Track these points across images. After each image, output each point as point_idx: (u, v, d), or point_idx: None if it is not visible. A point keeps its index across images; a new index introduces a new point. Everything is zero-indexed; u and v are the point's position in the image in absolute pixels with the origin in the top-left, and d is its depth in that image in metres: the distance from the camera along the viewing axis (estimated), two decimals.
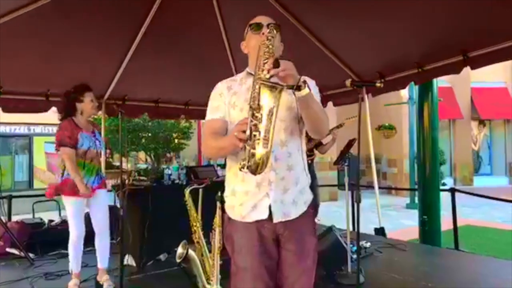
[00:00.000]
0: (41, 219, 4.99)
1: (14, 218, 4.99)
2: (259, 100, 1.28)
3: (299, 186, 1.60)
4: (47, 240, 4.42)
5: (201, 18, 4.15)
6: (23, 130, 12.11)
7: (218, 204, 2.33)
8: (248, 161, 1.30)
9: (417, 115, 5.67)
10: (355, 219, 2.68)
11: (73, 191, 3.00)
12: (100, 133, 3.39)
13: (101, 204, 3.21)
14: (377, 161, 12.09)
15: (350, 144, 3.63)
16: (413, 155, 10.28)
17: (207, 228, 2.60)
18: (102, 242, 3.23)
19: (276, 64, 1.30)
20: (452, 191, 5.12)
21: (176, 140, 12.30)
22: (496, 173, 14.94)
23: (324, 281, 3.26)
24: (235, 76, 1.74)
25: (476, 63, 3.38)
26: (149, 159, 12.99)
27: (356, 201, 2.57)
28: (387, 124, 12.80)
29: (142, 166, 12.41)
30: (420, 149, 5.42)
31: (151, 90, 5.32)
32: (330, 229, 3.56)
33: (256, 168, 1.30)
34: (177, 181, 4.18)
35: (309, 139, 3.94)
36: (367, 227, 4.75)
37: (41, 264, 3.92)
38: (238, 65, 4.82)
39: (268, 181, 1.52)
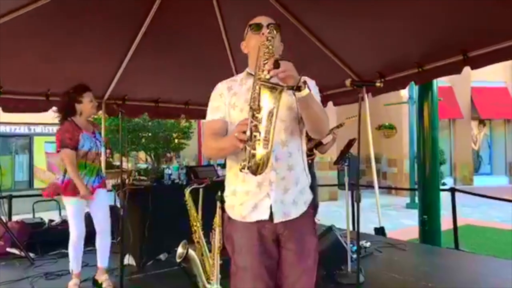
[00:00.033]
0: (42, 219, 5.00)
1: (14, 218, 5.00)
2: (259, 101, 1.28)
3: (299, 186, 1.60)
4: (48, 240, 4.43)
5: (201, 18, 4.15)
6: (23, 130, 12.13)
7: (218, 203, 2.34)
8: (249, 162, 1.30)
9: (417, 115, 5.67)
10: (355, 219, 2.68)
11: (74, 192, 3.00)
12: (100, 133, 3.39)
13: (101, 203, 3.21)
14: (377, 161, 12.07)
15: (350, 144, 3.63)
16: (413, 155, 10.27)
17: (207, 228, 2.60)
18: (103, 242, 3.23)
19: (276, 65, 1.30)
20: (452, 190, 5.12)
21: (176, 140, 12.27)
22: (496, 173, 14.94)
23: (324, 280, 3.26)
24: (235, 76, 1.74)
25: (476, 63, 3.38)
26: (149, 159, 12.96)
27: (356, 200, 2.57)
28: (387, 124, 12.78)
29: (142, 166, 12.38)
30: (420, 149, 5.42)
31: (151, 90, 5.32)
32: (330, 228, 3.57)
33: (256, 169, 1.30)
34: (177, 181, 4.18)
35: (309, 139, 3.94)
36: (367, 226, 4.76)
37: (42, 264, 3.92)
38: (238, 65, 4.83)
39: (269, 181, 1.53)
